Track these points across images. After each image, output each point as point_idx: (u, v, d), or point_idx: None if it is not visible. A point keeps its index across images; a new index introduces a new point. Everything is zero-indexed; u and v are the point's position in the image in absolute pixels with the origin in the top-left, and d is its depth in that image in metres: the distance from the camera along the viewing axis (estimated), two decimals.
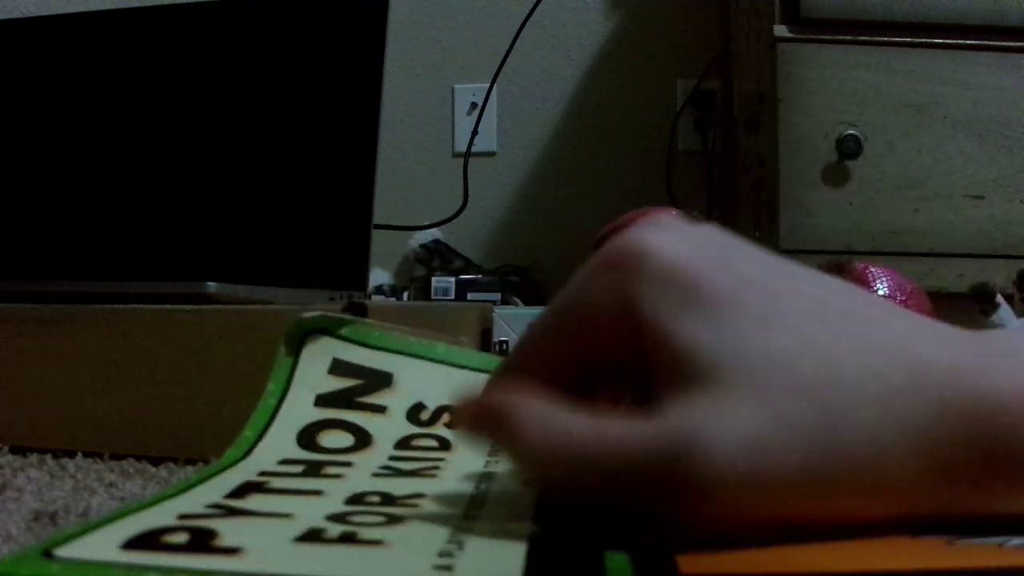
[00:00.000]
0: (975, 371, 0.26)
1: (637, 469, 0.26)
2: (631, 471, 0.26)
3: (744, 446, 0.25)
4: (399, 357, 0.46)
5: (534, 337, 0.31)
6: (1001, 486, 0.26)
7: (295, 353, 0.44)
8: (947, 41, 1.20)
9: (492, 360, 0.48)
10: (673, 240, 0.28)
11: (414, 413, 0.43)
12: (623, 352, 0.28)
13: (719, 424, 0.25)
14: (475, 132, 1.38)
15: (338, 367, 0.44)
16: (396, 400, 0.43)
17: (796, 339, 0.27)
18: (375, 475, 0.36)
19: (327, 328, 0.45)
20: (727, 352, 0.26)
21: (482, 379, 0.46)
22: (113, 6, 0.91)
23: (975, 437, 0.25)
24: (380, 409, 0.43)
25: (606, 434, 0.26)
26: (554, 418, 0.27)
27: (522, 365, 0.31)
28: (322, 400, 0.42)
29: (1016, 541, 0.26)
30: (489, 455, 0.40)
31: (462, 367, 0.47)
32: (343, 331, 0.45)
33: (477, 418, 0.30)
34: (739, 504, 0.25)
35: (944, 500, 0.26)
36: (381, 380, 0.44)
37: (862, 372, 0.26)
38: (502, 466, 0.38)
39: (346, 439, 0.41)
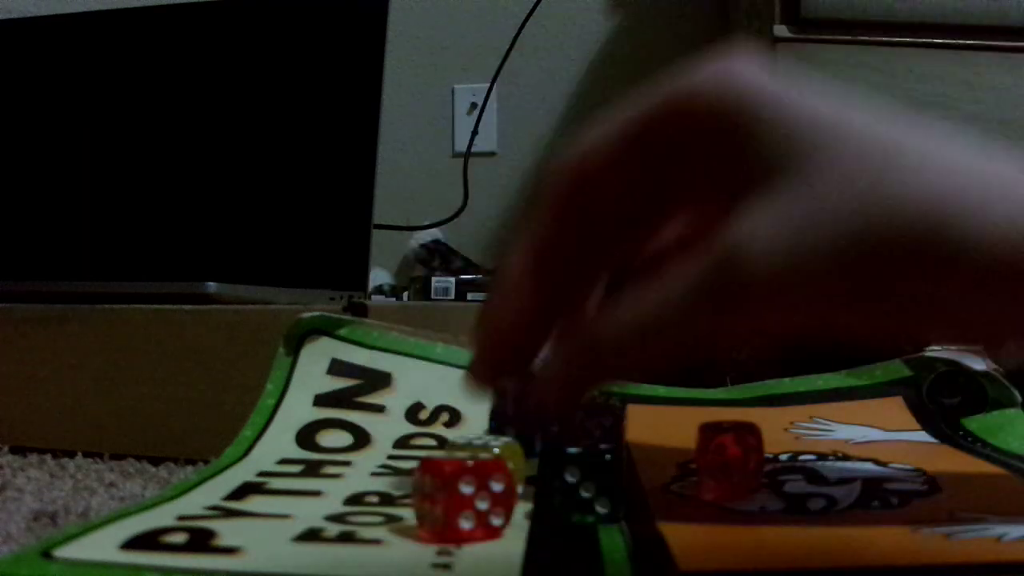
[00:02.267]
0: None
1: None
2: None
3: (787, 231, 0.24)
4: (398, 357, 0.46)
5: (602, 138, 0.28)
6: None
7: (294, 353, 0.44)
8: (947, 41, 1.20)
9: None
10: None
11: (413, 413, 0.43)
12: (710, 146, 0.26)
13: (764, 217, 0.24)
14: (475, 132, 1.38)
15: (337, 367, 0.44)
16: (395, 400, 0.43)
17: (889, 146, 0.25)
18: (374, 475, 0.36)
19: (326, 328, 0.45)
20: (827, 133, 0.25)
21: None
22: (113, 6, 0.91)
23: None
24: (379, 409, 0.43)
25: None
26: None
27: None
28: (321, 400, 0.42)
29: (1014, 535, 0.26)
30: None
31: (460, 367, 0.47)
32: (342, 331, 0.45)
33: None
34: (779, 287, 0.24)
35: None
36: (380, 380, 0.44)
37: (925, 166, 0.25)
38: None
39: (345, 438, 0.41)
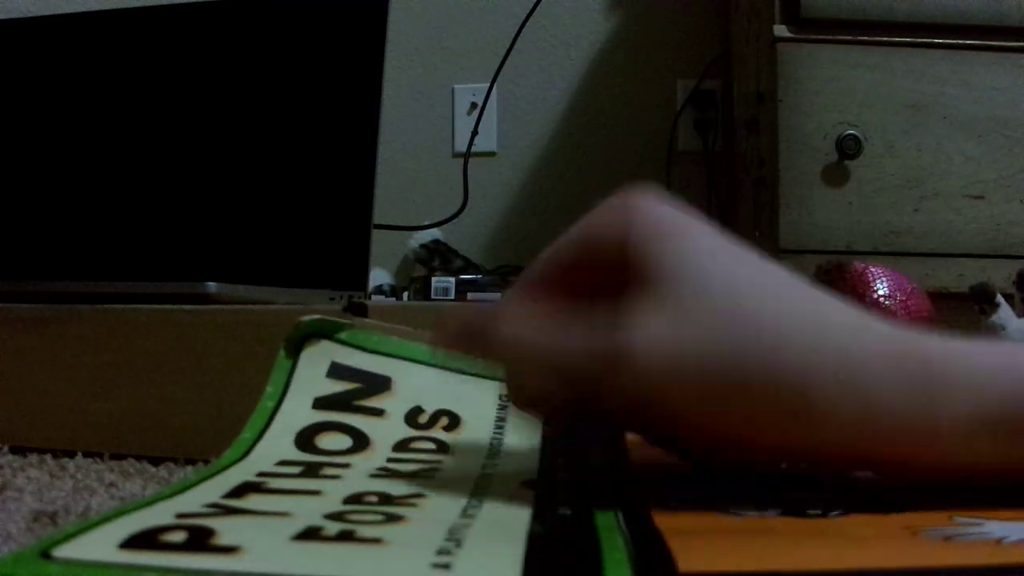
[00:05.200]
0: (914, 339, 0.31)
1: (582, 368, 0.31)
2: (577, 370, 0.31)
3: (669, 350, 0.29)
4: (397, 361, 0.46)
5: (547, 256, 0.35)
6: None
7: (294, 356, 0.44)
8: (947, 41, 1.20)
9: (491, 366, 0.48)
10: (668, 203, 0.34)
11: (412, 417, 0.43)
12: (610, 271, 0.32)
13: (652, 332, 0.30)
14: (475, 132, 1.38)
15: (337, 371, 0.44)
16: (394, 404, 0.43)
17: (749, 283, 0.31)
18: (373, 476, 0.36)
19: (326, 332, 0.45)
20: (684, 273, 0.31)
21: (481, 384, 0.47)
22: (113, 6, 0.91)
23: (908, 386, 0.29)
24: (378, 412, 0.43)
25: (564, 341, 0.31)
26: (527, 326, 0.33)
27: (534, 278, 0.35)
28: (320, 403, 0.42)
29: (1014, 538, 0.26)
30: (487, 457, 0.40)
31: (461, 372, 0.47)
32: (342, 335, 0.46)
33: (463, 328, 0.35)
34: (660, 399, 0.30)
35: (858, 434, 0.30)
36: (379, 384, 0.44)
37: (804, 316, 0.30)
38: (500, 467, 0.38)
39: (344, 441, 0.41)
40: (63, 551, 0.24)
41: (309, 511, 0.29)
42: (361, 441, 0.41)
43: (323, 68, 0.81)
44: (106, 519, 0.27)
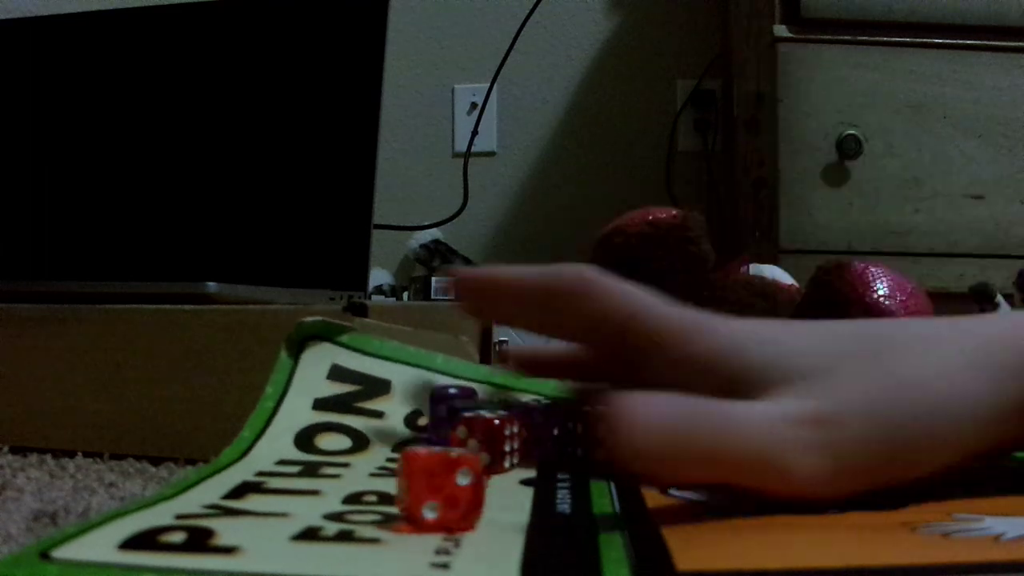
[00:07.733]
0: None
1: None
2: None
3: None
4: (398, 366, 0.46)
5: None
6: None
7: (295, 357, 0.44)
8: (947, 41, 1.20)
9: (490, 372, 0.48)
10: None
11: (411, 419, 0.43)
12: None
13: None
14: (475, 132, 1.38)
15: (337, 373, 0.44)
16: (393, 407, 0.44)
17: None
18: (372, 475, 0.36)
19: (327, 334, 0.45)
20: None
21: (480, 391, 0.46)
22: (113, 6, 0.91)
23: None
24: (378, 415, 0.43)
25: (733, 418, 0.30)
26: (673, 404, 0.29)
27: None
28: (320, 404, 0.42)
29: (1012, 534, 0.26)
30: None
31: (461, 378, 0.47)
32: (343, 338, 0.46)
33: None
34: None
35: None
36: (379, 387, 0.44)
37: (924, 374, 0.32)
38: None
39: (343, 442, 0.41)
40: (63, 552, 0.24)
41: (308, 511, 0.29)
42: (360, 442, 0.41)
43: (323, 68, 0.81)
44: (106, 520, 0.27)
